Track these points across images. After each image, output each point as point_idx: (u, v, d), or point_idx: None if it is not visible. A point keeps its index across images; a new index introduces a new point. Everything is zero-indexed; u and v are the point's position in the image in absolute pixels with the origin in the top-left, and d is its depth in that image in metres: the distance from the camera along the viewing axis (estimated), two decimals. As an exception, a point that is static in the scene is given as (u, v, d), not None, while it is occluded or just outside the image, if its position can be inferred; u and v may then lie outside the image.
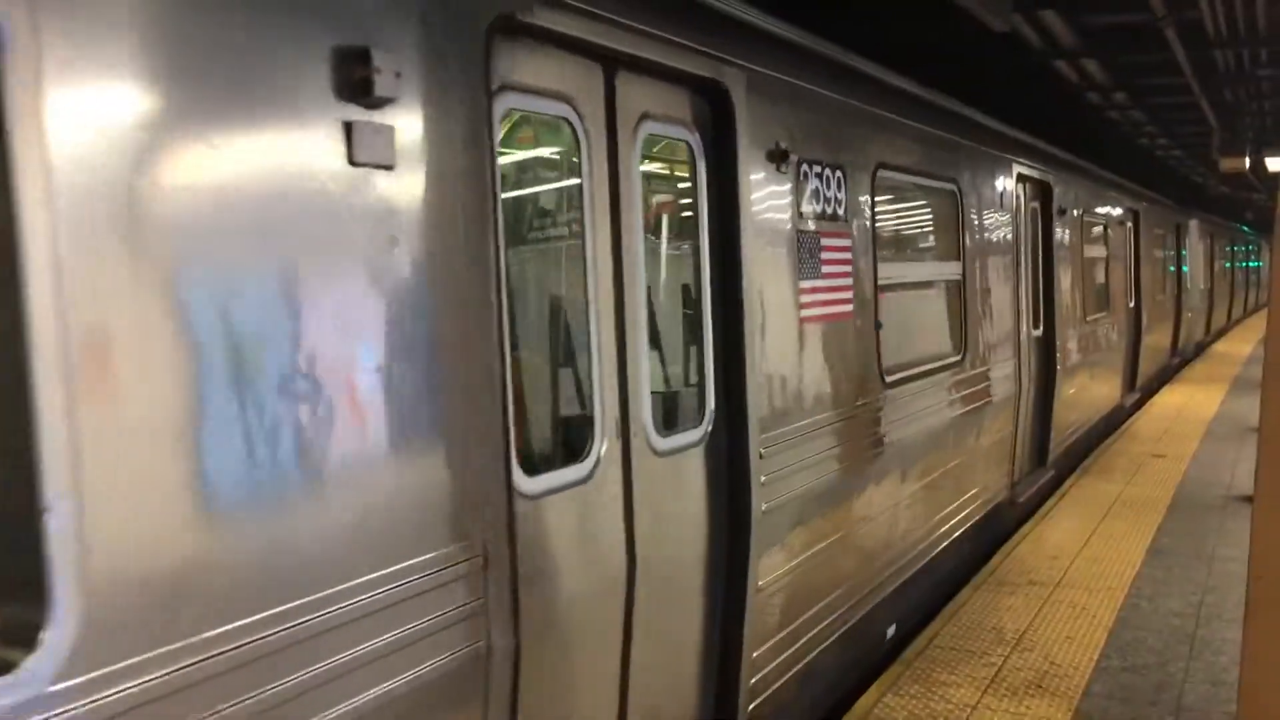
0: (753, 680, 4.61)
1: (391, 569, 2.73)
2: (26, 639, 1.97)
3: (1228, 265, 31.54)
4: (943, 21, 6.39)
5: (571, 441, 3.69)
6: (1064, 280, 10.40)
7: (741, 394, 4.45)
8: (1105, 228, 12.77)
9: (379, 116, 2.68)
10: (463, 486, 2.97)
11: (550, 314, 3.74)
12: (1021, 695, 5.58)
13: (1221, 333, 29.87)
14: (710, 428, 4.41)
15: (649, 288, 4.01)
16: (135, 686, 2.12)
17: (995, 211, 8.35)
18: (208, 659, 2.27)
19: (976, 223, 7.86)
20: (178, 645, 2.21)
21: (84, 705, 2.02)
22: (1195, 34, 9.72)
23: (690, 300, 4.39)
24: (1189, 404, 16.14)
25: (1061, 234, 10.31)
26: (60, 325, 2.01)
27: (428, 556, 2.83)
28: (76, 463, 2.02)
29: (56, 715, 1.98)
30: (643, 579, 3.93)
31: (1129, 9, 8.94)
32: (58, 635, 1.99)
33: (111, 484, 2.10)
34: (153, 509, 2.18)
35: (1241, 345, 25.97)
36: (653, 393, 4.03)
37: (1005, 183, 8.53)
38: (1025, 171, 9.17)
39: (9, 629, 2.00)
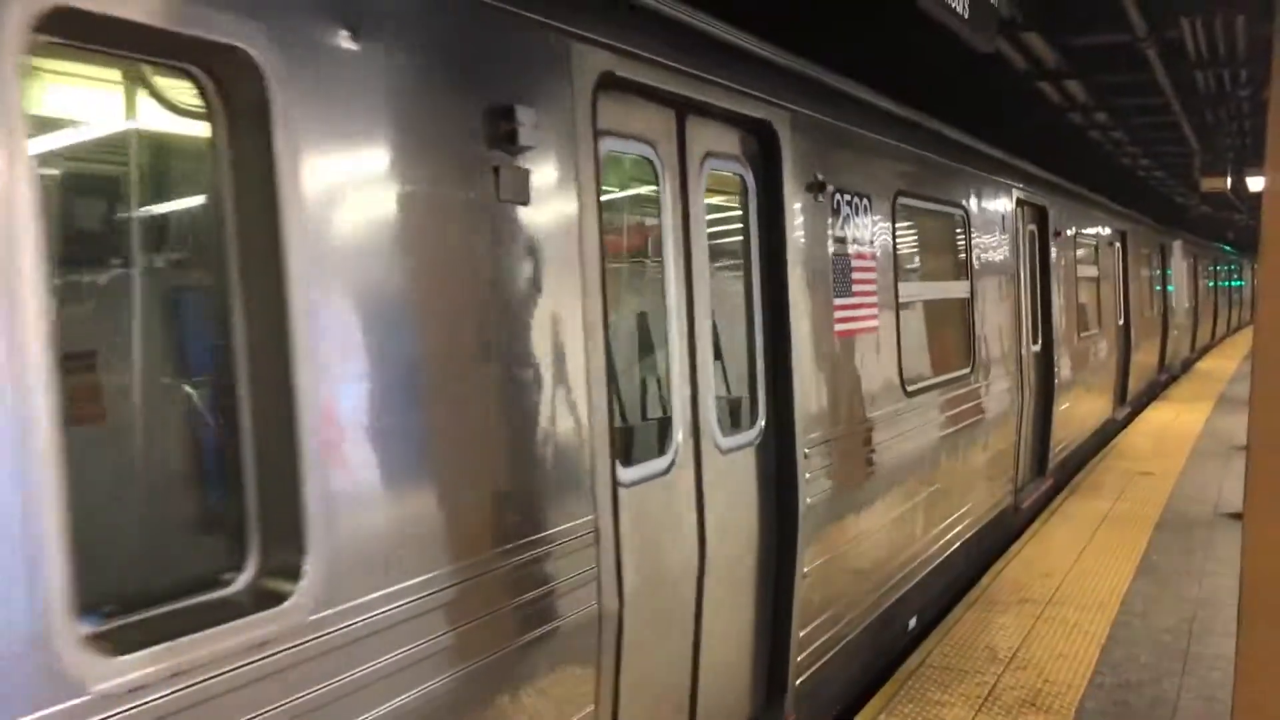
0: (799, 656, 5.11)
1: (539, 535, 3.35)
2: (293, 575, 2.51)
3: (1210, 284, 31.78)
4: (930, 41, 6.45)
5: (654, 438, 4.25)
6: (1060, 298, 10.94)
7: (788, 400, 4.97)
8: (1096, 249, 13.35)
9: (519, 161, 3.25)
10: (582, 472, 3.57)
11: (635, 326, 4.25)
12: (1015, 713, 5.57)
13: (1206, 350, 30.07)
14: (763, 428, 4.93)
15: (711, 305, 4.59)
16: (368, 618, 2.70)
17: (998, 234, 8.90)
18: (418, 599, 2.86)
19: (981, 245, 8.40)
20: (395, 588, 2.78)
21: (332, 632, 2.59)
22: (1176, 55, 9.82)
23: (743, 315, 4.90)
24: (1175, 421, 16.23)
25: (1057, 255, 10.88)
26: (312, 333, 2.57)
27: (560, 528, 3.45)
28: (325, 443, 2.61)
29: (314, 639, 2.54)
30: (711, 559, 4.47)
31: (1111, 29, 9.03)
32: (314, 571, 2.54)
33: (348, 459, 2.71)
34: (379, 481, 2.81)
35: (1225, 363, 26.13)
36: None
37: (1006, 207, 9.05)
38: (1023, 196, 9.68)
39: (280, 570, 2.53)
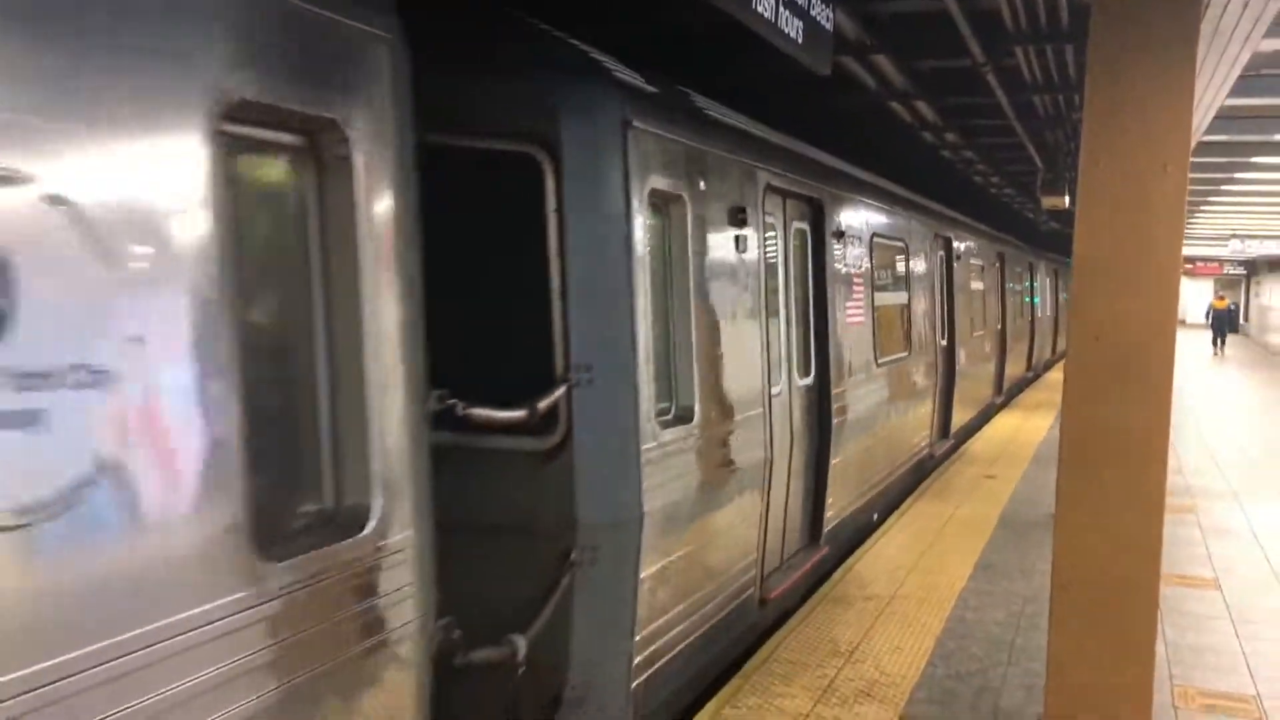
0: (827, 515, 8.40)
1: (754, 411, 6.65)
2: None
3: (1067, 296, 33.40)
4: (781, 65, 6.77)
5: (778, 374, 7.38)
6: (959, 306, 14.55)
7: (826, 360, 8.33)
8: (983, 267, 16.96)
9: (744, 233, 6.44)
10: (760, 385, 6.77)
11: (768, 317, 7.07)
12: (851, 703, 5.86)
13: (1065, 354, 31.43)
14: (813, 377, 8.21)
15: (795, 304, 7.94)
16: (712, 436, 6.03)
17: (921, 258, 12.43)
18: (707, 420, 5.92)
19: (913, 267, 11.93)
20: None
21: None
22: (1014, 79, 10.35)
23: (805, 310, 8.16)
24: (1021, 429, 17.03)
25: (956, 273, 14.50)
26: (699, 322, 5.78)
27: (759, 410, 6.74)
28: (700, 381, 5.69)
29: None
30: (795, 443, 7.77)
31: (952, 55, 9.47)
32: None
33: (706, 391, 5.89)
34: (720, 375, 6.11)
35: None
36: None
37: (926, 239, 12.68)
38: (937, 230, 13.39)
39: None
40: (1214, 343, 39.17)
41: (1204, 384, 26.34)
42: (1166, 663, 6.60)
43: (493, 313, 4.79)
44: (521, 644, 4.56)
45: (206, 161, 2.67)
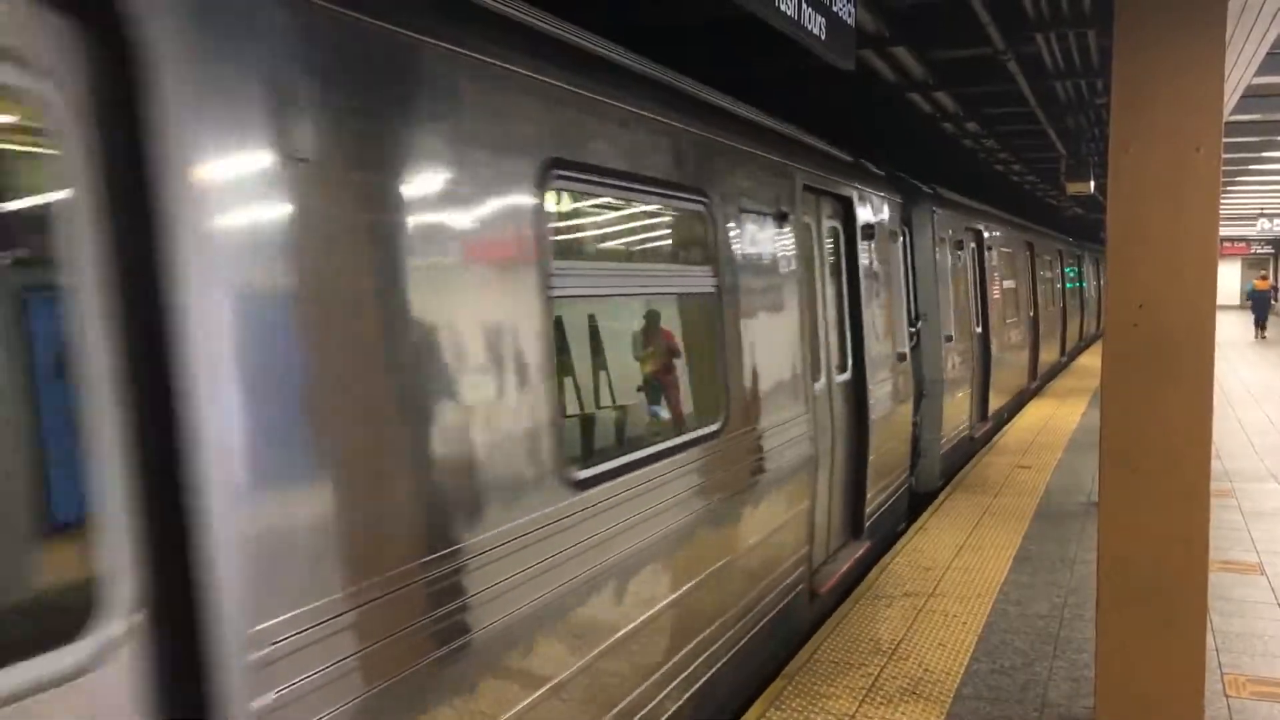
0: (990, 405, 15.40)
1: (969, 341, 13.44)
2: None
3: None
4: (800, 58, 6.74)
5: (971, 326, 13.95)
6: (1037, 294, 20.20)
7: (987, 320, 14.45)
8: (1050, 260, 22.89)
9: (962, 253, 12.83)
10: (971, 325, 13.68)
11: (970, 294, 13.58)
12: (896, 702, 5.81)
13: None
14: (981, 329, 14.14)
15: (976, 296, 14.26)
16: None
17: (1020, 258, 18.20)
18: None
19: (1016, 263, 17.56)
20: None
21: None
22: (1035, 66, 10.27)
23: (975, 291, 13.98)
24: (1054, 417, 16.88)
25: (1036, 269, 20.08)
26: (951, 296, 12.31)
27: (969, 342, 13.48)
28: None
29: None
30: (979, 364, 14.52)
31: (972, 44, 9.41)
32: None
33: (957, 328, 12.66)
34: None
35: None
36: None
37: (1021, 245, 18.44)
38: (1025, 239, 18.92)
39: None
40: (1256, 324, 37.42)
41: (1246, 367, 26.01)
42: (1215, 650, 6.51)
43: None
44: (918, 419, 10.62)
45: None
